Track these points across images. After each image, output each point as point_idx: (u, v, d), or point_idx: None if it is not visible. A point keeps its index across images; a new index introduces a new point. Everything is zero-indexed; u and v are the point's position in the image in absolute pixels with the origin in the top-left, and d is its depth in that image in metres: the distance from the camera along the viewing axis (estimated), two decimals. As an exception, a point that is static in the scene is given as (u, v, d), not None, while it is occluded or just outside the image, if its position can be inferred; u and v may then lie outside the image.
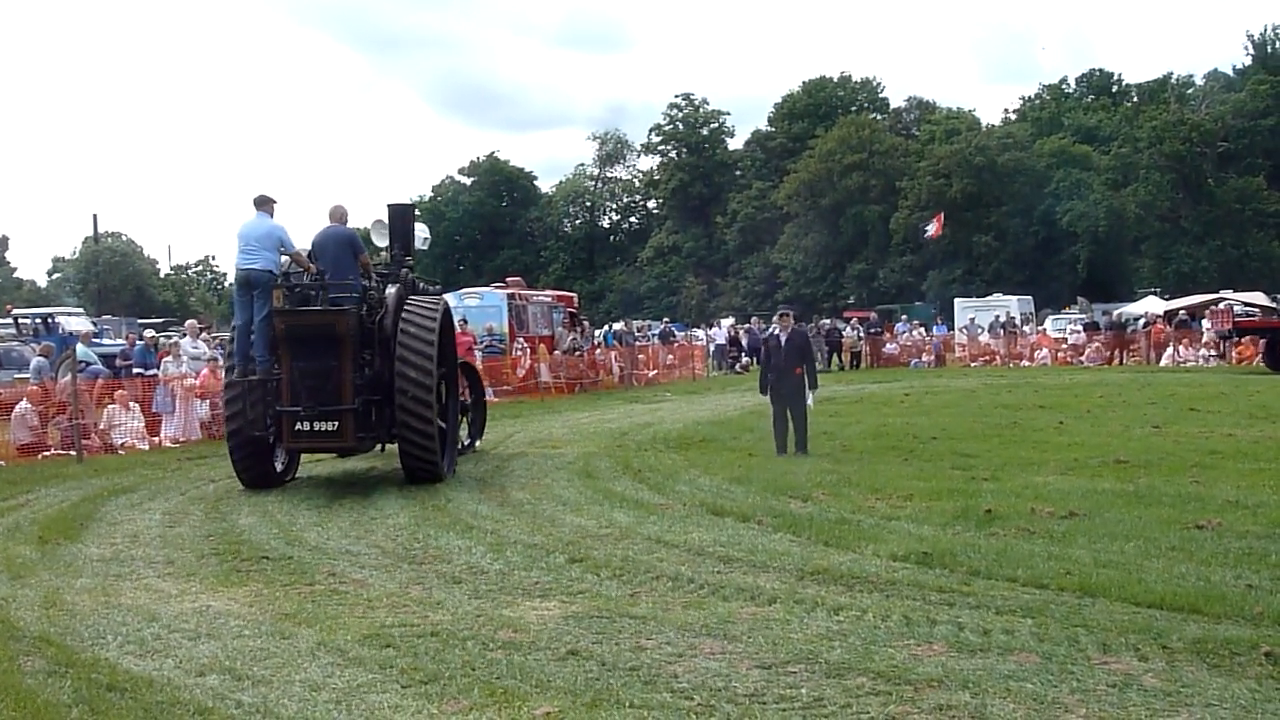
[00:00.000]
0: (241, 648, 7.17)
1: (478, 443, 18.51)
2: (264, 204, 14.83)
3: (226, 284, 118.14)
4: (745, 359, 44.90)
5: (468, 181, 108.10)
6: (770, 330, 18.19)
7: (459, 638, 7.23)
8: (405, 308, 14.42)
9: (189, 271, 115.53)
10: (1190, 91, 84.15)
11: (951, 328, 52.25)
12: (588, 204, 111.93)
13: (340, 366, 13.75)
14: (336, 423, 13.75)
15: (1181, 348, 38.79)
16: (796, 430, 16.17)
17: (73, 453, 18.00)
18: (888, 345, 45.65)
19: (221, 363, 22.30)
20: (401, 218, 17.14)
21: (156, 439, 20.36)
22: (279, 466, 15.22)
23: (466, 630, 7.41)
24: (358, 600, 8.37)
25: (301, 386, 13.70)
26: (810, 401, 16.34)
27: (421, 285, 16.34)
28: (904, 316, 56.95)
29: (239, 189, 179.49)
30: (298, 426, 13.78)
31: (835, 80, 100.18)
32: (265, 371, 13.96)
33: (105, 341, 34.78)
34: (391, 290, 14.95)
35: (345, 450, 15.46)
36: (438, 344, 14.16)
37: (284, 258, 14.55)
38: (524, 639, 7.17)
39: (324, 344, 13.71)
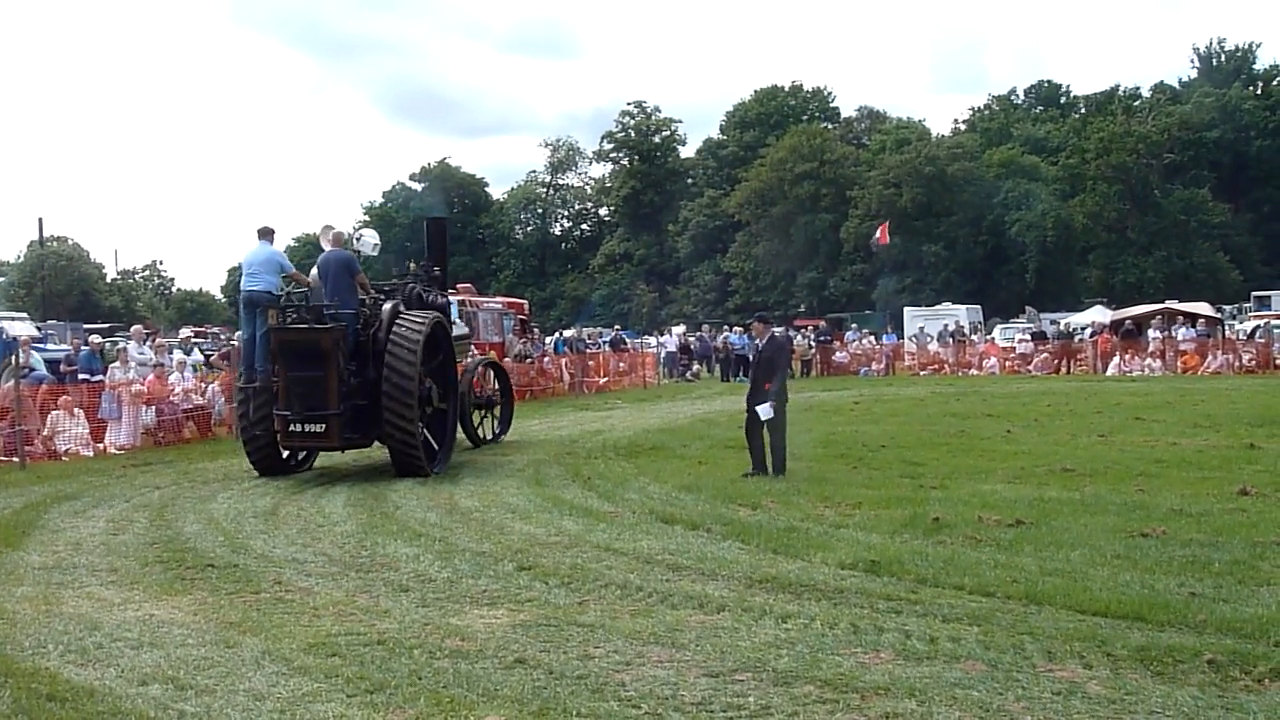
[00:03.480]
0: (185, 657, 7.09)
1: (504, 436, 21.12)
2: (266, 234, 16.90)
3: (174, 289, 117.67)
4: (696, 367, 44.99)
5: (419, 187, 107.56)
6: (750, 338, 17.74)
7: (406, 646, 7.18)
8: (397, 321, 15.96)
9: (136, 276, 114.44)
10: (1137, 103, 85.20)
11: (901, 336, 52.56)
12: (539, 211, 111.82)
13: (327, 376, 15.29)
14: (323, 425, 15.34)
15: (1127, 357, 39.16)
16: (772, 447, 14.75)
17: (15, 459, 17.74)
18: (838, 353, 45.84)
19: (167, 369, 22.32)
20: (437, 232, 20.04)
21: (101, 445, 20.10)
22: (299, 457, 17.25)
23: (413, 639, 7.37)
24: (304, 609, 8.30)
25: (293, 393, 15.37)
26: (762, 411, 14.43)
27: (429, 298, 17.74)
28: (854, 325, 57.24)
29: (188, 193, 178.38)
30: (290, 428, 15.43)
31: (787, 89, 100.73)
32: (265, 379, 15.96)
33: (50, 346, 34.34)
34: (388, 306, 16.40)
35: (332, 449, 16.75)
36: (422, 354, 15.74)
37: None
38: (471, 647, 7.14)
39: (311, 356, 15.33)
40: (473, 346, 22.55)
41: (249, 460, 16.47)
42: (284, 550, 10.68)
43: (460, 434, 18.69)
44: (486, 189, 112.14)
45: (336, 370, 15.34)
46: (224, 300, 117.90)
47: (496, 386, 21.75)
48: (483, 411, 20.98)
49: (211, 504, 13.63)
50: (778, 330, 16.54)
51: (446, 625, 7.72)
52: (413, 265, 18.99)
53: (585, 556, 10.00)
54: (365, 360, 15.90)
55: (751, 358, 15.80)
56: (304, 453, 17.31)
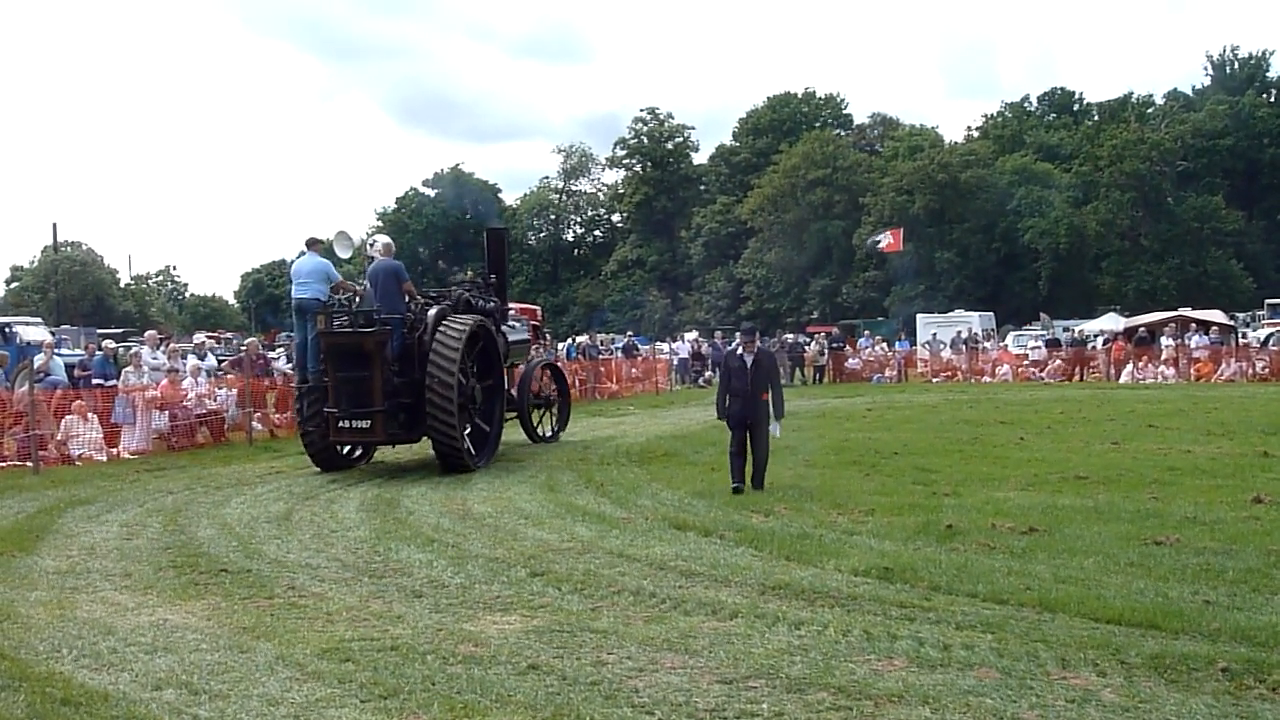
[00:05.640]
0: (199, 662, 7.11)
1: (561, 434, 22.21)
2: (314, 244, 18.08)
3: (188, 294, 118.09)
4: (708, 373, 44.94)
5: (432, 193, 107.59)
6: (734, 349, 17.43)
7: (419, 652, 7.20)
8: (441, 326, 17.02)
9: (149, 281, 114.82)
10: (1150, 111, 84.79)
11: (914, 343, 52.42)
12: (552, 217, 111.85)
13: (371, 376, 16.52)
14: (369, 421, 16.60)
15: (1141, 364, 39.04)
16: (756, 462, 14.39)
17: (29, 464, 17.79)
18: (850, 360, 45.71)
19: (180, 374, 22.42)
20: (497, 240, 21.74)
21: (115, 450, 20.15)
22: (356, 453, 18.72)
23: (427, 644, 7.38)
24: (317, 614, 8.32)
25: (341, 392, 16.69)
26: (775, 430, 14.54)
27: (478, 303, 18.82)
28: (867, 331, 57.15)
29: (201, 199, 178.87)
30: (340, 424, 16.71)
31: (799, 96, 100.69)
32: (317, 379, 17.19)
33: (64, 351, 34.41)
34: (433, 311, 17.53)
35: (379, 443, 18.22)
36: (463, 355, 16.75)
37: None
38: (484, 653, 7.15)
39: (356, 358, 16.59)
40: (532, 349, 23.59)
41: (307, 454, 17.67)
42: (297, 555, 10.71)
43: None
44: (499, 195, 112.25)
45: (381, 370, 16.48)
46: (237, 306, 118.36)
47: (555, 387, 22.86)
48: (541, 411, 22.30)
49: (225, 509, 13.66)
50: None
51: (460, 631, 7.73)
52: (470, 272, 20.00)
53: (598, 562, 10.01)
54: (411, 362, 16.97)
55: (727, 367, 14.92)
56: (360, 449, 18.65)
